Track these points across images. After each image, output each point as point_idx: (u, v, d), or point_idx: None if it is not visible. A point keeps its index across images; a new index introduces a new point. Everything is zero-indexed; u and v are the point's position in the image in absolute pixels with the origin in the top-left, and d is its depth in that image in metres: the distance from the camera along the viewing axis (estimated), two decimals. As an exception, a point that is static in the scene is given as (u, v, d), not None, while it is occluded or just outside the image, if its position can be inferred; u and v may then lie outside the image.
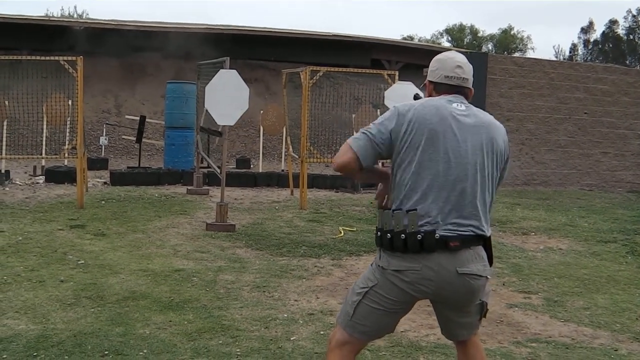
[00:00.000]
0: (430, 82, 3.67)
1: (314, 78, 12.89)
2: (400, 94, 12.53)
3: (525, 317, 6.62)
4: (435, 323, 5.77)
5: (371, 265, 3.60)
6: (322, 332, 5.73)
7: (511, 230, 11.14)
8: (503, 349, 5.63)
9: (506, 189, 16.98)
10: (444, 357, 5.33)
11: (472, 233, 3.42)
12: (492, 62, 17.65)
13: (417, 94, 4.07)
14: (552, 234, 11.05)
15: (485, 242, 3.53)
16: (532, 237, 10.76)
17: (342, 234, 10.00)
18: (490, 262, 3.54)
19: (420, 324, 6.15)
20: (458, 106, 3.50)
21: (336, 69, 14.73)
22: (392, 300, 3.48)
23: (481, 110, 3.61)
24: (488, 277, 3.54)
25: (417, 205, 3.33)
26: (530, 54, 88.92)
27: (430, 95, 3.67)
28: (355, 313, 3.55)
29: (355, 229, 10.38)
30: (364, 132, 3.47)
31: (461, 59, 3.66)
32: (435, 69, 3.65)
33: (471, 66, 3.70)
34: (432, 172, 3.37)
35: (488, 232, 3.53)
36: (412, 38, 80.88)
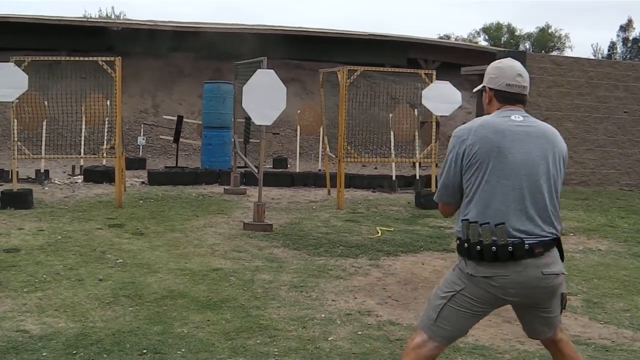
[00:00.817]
0: (491, 89, 3.79)
1: (351, 78, 12.87)
2: (438, 94, 12.51)
3: (564, 318, 6.51)
4: (474, 325, 5.78)
5: (453, 270, 3.76)
6: (359, 333, 5.72)
7: (550, 231, 11.02)
8: (542, 351, 5.55)
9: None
10: (482, 358, 5.31)
11: (550, 237, 3.59)
12: (530, 60, 17.47)
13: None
14: (591, 235, 10.93)
15: (559, 241, 3.70)
16: (571, 237, 10.65)
17: (380, 234, 9.97)
18: (562, 259, 3.72)
19: (458, 325, 6.12)
20: (516, 118, 3.65)
21: (373, 68, 14.70)
22: (480, 302, 3.65)
23: (536, 119, 3.75)
24: (565, 273, 3.73)
25: (505, 219, 3.51)
26: (568, 53, 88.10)
27: (490, 101, 3.83)
28: (440, 316, 3.69)
29: (392, 229, 10.35)
30: (441, 184, 3.81)
31: (521, 67, 3.78)
32: (496, 76, 3.77)
33: (528, 74, 3.82)
34: (507, 185, 3.54)
35: (558, 232, 3.68)
36: (448, 37, 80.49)
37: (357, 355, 5.20)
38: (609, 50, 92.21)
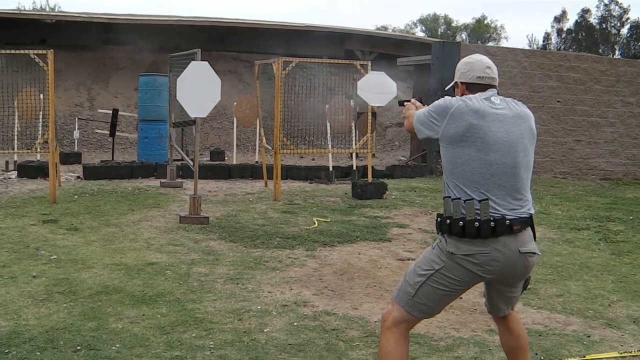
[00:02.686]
0: (463, 82, 4.03)
1: (287, 69, 12.85)
2: (373, 84, 12.55)
3: (498, 304, 6.65)
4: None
5: (432, 248, 3.93)
6: (295, 324, 5.73)
7: (485, 219, 11.16)
8: (476, 337, 5.66)
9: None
10: (417, 346, 5.35)
11: (527, 215, 3.79)
12: (465, 51, 17.64)
13: (401, 100, 4.53)
14: (527, 222, 11.09)
15: (532, 220, 3.86)
16: (506, 225, 10.80)
17: (316, 224, 9.99)
18: (535, 238, 3.89)
19: (393, 313, 6.17)
20: (495, 100, 3.87)
21: (309, 59, 14.71)
22: (459, 281, 3.80)
23: (513, 100, 3.98)
24: (539, 253, 3.91)
25: (486, 194, 3.69)
26: (503, 43, 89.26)
27: (462, 94, 3.99)
28: (418, 293, 3.87)
29: (329, 220, 10.37)
30: (424, 115, 3.96)
31: (488, 60, 4.06)
32: (466, 70, 4.02)
33: (496, 68, 4.11)
34: (488, 163, 3.72)
35: (533, 210, 3.88)
36: (386, 28, 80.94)
37: (293, 346, 5.21)
38: (543, 41, 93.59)
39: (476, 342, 5.53)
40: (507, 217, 3.68)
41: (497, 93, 3.97)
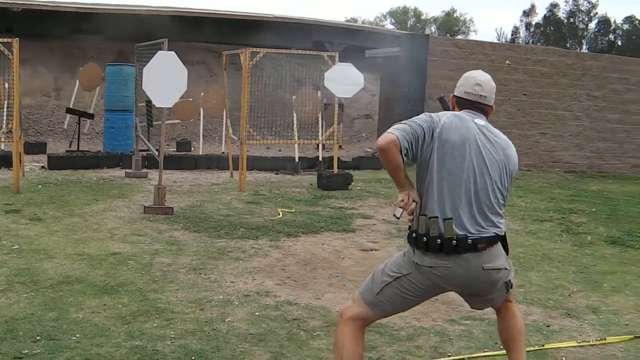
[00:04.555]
0: (454, 95, 4.13)
1: (254, 60, 12.83)
2: (340, 76, 12.58)
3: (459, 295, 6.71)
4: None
5: (403, 254, 4.02)
6: (257, 313, 5.76)
7: (449, 210, 11.23)
8: (437, 327, 5.72)
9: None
10: (378, 335, 5.40)
11: (494, 235, 3.85)
12: (434, 44, 17.75)
13: (442, 96, 4.66)
14: (489, 214, 11.18)
15: (503, 239, 3.97)
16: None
17: (281, 215, 10.00)
18: (507, 253, 4.01)
19: (356, 303, 6.20)
20: (479, 121, 3.95)
21: (277, 50, 14.68)
22: (422, 289, 3.92)
23: (495, 129, 4.06)
24: (507, 268, 4.01)
25: (452, 214, 3.77)
26: (472, 37, 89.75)
27: (453, 107, 4.15)
28: (382, 292, 3.95)
29: (294, 210, 10.39)
30: (402, 123, 3.87)
31: (483, 78, 4.08)
32: (460, 85, 4.10)
33: (493, 85, 4.13)
34: (460, 181, 3.80)
35: (503, 231, 3.95)
36: (356, 20, 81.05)
37: (254, 336, 5.23)
38: (512, 35, 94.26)
39: (437, 332, 5.59)
40: (470, 237, 3.77)
41: (486, 114, 4.07)
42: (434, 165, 3.81)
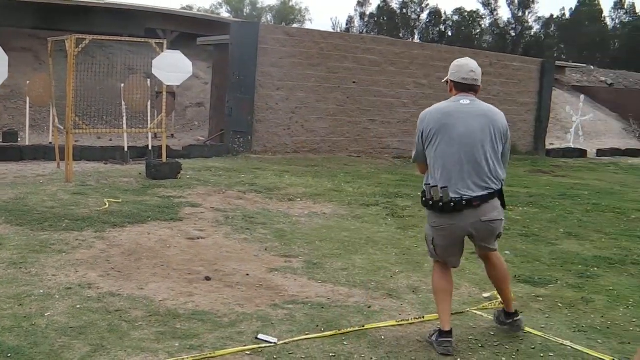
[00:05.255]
0: (452, 81, 5.24)
1: (80, 46, 12.46)
2: (168, 63, 12.43)
3: (284, 280, 6.79)
4: (195, 291, 5.94)
5: (427, 217, 5.30)
6: (78, 306, 5.63)
7: (278, 197, 11.31)
8: (260, 312, 5.76)
9: (276, 156, 17.26)
10: (201, 323, 5.39)
11: (486, 192, 5.05)
12: (264, 32, 17.78)
13: None
14: (318, 199, 11.36)
15: (499, 193, 5.20)
16: (298, 202, 11.01)
17: (107, 205, 9.78)
18: (504, 206, 5.29)
19: (179, 292, 6.18)
20: (464, 102, 5.12)
21: (103, 37, 14.31)
22: (446, 239, 5.22)
23: (483, 102, 5.24)
24: (502, 219, 5.27)
25: (448, 182, 5.00)
26: (308, 25, 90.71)
27: (451, 90, 5.30)
28: (431, 248, 5.35)
29: (120, 201, 10.18)
30: (415, 151, 5.37)
31: (474, 65, 5.26)
32: (456, 71, 5.22)
33: (480, 69, 5.33)
34: (451, 153, 4.99)
35: (498, 187, 5.17)
36: (191, 8, 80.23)
37: (74, 329, 5.11)
38: (347, 24, 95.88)
39: (259, 317, 5.63)
40: (465, 197, 4.99)
41: (476, 92, 5.24)
42: (431, 151, 5.08)
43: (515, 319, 5.72)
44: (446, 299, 5.33)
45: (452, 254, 5.35)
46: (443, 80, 5.53)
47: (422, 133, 5.16)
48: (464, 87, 5.22)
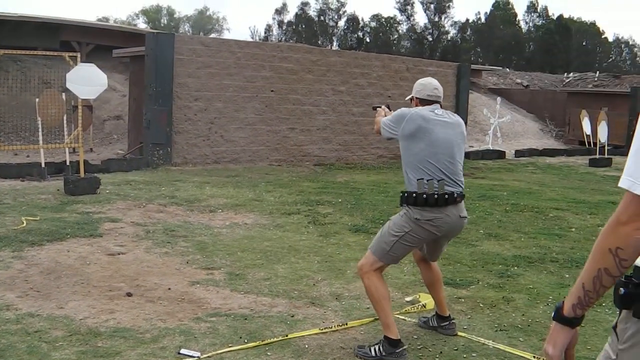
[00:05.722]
0: (417, 98, 5.65)
1: (-9, 62, 12.26)
2: (83, 76, 12.29)
3: (206, 293, 6.78)
4: (116, 308, 5.89)
5: (401, 216, 5.32)
6: (-6, 329, 5.51)
7: (199, 209, 11.25)
8: (183, 326, 5.75)
9: (197, 168, 17.15)
10: (122, 340, 5.35)
11: (462, 190, 5.37)
12: (180, 42, 17.66)
13: (374, 105, 6.31)
14: (239, 210, 11.34)
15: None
16: (219, 214, 10.97)
17: (25, 224, 9.61)
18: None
19: (100, 309, 6.11)
20: (438, 111, 5.49)
21: (14, 51, 14.07)
22: (421, 239, 5.35)
23: (451, 112, 5.67)
24: (467, 216, 5.56)
25: (441, 175, 5.23)
26: (226, 35, 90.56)
27: (416, 105, 5.64)
28: (392, 248, 5.30)
29: (38, 218, 10.00)
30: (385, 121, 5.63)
31: (436, 83, 5.69)
32: (421, 89, 5.64)
33: (441, 86, 5.77)
34: (437, 154, 5.26)
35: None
36: (107, 19, 79.39)
37: (-6, 352, 5.02)
38: (265, 33, 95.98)
39: (182, 331, 5.62)
40: (454, 192, 5.24)
41: (440, 106, 5.58)
42: (418, 149, 5.29)
43: (451, 321, 5.93)
44: (389, 305, 5.37)
45: (405, 255, 5.54)
46: (407, 98, 5.93)
47: (405, 125, 5.39)
48: (429, 103, 5.60)
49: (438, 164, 5.24)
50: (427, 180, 5.19)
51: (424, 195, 5.16)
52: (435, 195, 5.15)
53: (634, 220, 2.00)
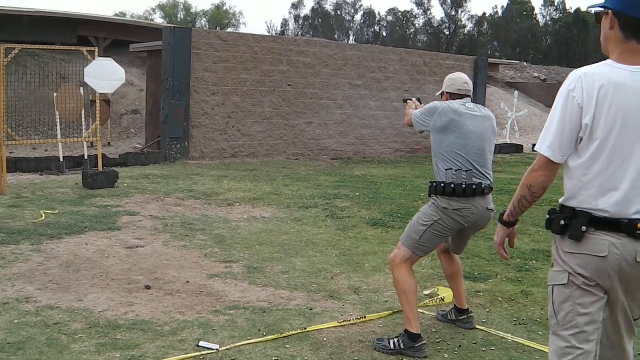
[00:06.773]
0: (448, 92, 5.67)
1: (10, 56, 12.27)
2: (100, 71, 12.31)
3: (225, 286, 6.78)
4: (135, 300, 5.90)
5: (429, 206, 5.40)
6: (16, 321, 5.52)
7: (217, 203, 11.28)
8: (201, 319, 5.75)
9: (214, 162, 17.20)
10: (141, 332, 5.36)
11: (490, 183, 5.40)
12: (197, 37, 17.70)
13: (405, 98, 6.35)
14: (257, 204, 11.36)
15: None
16: (237, 207, 10.99)
17: (44, 217, 9.65)
18: None
19: (119, 302, 6.12)
20: (469, 105, 5.50)
21: (33, 46, 14.11)
22: (450, 228, 5.35)
23: (482, 106, 5.64)
24: (494, 209, 5.49)
25: (470, 167, 5.27)
26: (242, 30, 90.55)
27: (447, 100, 5.63)
28: (421, 238, 5.34)
29: (57, 212, 10.04)
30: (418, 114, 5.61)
31: (467, 77, 5.69)
32: (451, 84, 5.65)
33: (471, 81, 5.76)
34: (468, 147, 5.29)
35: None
36: (124, 14, 79.50)
37: (12, 345, 5.02)
38: (282, 27, 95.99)
39: (201, 324, 5.62)
40: (483, 184, 5.27)
41: (471, 100, 5.60)
42: (449, 142, 5.31)
43: (469, 315, 5.92)
44: (415, 299, 5.36)
45: (437, 247, 5.59)
46: (437, 93, 5.97)
47: (436, 118, 5.40)
48: (460, 97, 5.62)
49: (467, 156, 5.28)
50: (456, 171, 5.25)
51: (452, 185, 5.22)
52: (463, 186, 5.20)
53: (539, 169, 3.47)
